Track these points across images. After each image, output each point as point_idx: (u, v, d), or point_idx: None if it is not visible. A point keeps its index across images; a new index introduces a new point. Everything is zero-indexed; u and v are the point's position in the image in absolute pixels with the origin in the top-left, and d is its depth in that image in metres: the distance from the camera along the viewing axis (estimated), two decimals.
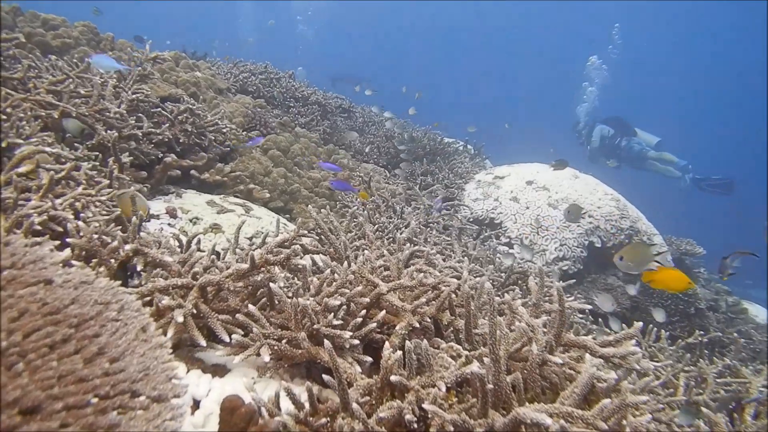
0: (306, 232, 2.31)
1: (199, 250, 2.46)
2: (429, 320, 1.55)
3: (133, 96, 3.13)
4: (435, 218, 3.97)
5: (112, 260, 1.41)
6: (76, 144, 2.40)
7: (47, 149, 1.94)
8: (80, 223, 1.39)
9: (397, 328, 1.44)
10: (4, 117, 2.02)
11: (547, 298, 1.94)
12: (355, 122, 7.55)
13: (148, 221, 2.63)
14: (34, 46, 3.62)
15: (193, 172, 3.25)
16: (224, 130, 3.53)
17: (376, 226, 3.55)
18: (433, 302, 1.64)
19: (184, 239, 2.58)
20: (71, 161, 2.02)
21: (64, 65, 3.03)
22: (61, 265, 0.88)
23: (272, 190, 3.73)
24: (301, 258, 2.10)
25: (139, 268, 1.38)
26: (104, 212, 1.94)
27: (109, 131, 2.58)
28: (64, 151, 2.01)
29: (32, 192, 1.80)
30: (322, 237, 2.25)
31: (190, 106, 3.38)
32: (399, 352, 1.14)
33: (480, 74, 38.39)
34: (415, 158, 6.64)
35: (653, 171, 9.35)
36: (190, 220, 2.75)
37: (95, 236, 1.43)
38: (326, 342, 1.12)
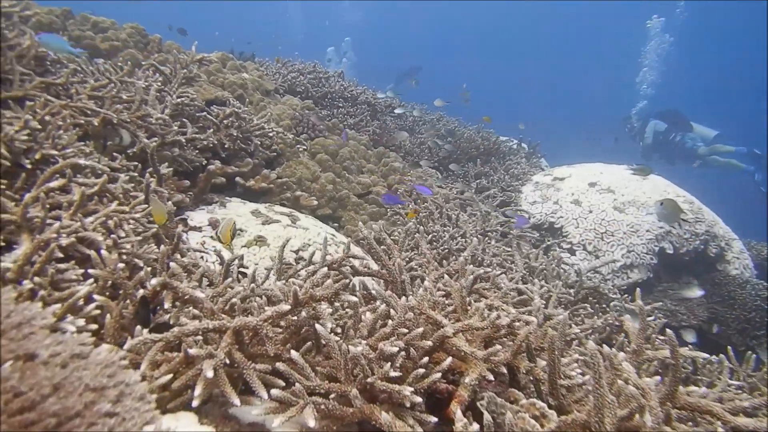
0: (355, 252, 2.10)
1: (242, 266, 2.30)
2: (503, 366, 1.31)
3: (178, 100, 3.00)
4: (494, 226, 3.70)
5: (140, 293, 1.24)
6: (115, 154, 2.27)
7: (81, 161, 1.80)
8: (103, 251, 1.22)
9: (466, 380, 1.20)
10: (39, 127, 1.89)
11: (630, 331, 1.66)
12: (405, 121, 7.33)
13: (187, 233, 2.49)
14: (83, 50, 3.56)
15: (238, 179, 3.11)
16: (271, 134, 3.37)
17: (430, 235, 3.32)
18: (507, 342, 1.40)
19: (226, 255, 2.42)
20: (106, 174, 1.88)
21: (109, 68, 2.93)
22: (50, 331, 0.69)
23: (320, 196, 3.55)
24: (349, 281, 1.89)
25: (167, 305, 1.20)
26: (139, 230, 1.78)
27: (149, 139, 2.45)
28: (99, 164, 1.87)
29: (63, 209, 1.66)
30: (373, 254, 2.03)
31: (236, 110, 3.23)
32: (476, 426, 0.91)
33: (526, 68, 37.50)
34: (468, 158, 6.36)
35: (717, 167, 8.66)
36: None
37: (120, 266, 1.25)
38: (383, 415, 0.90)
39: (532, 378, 1.30)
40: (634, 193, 5.06)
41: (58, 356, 0.65)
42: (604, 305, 3.21)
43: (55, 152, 1.88)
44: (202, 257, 2.27)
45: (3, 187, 1.67)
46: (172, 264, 1.28)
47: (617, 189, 5.13)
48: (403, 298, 1.35)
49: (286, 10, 30.98)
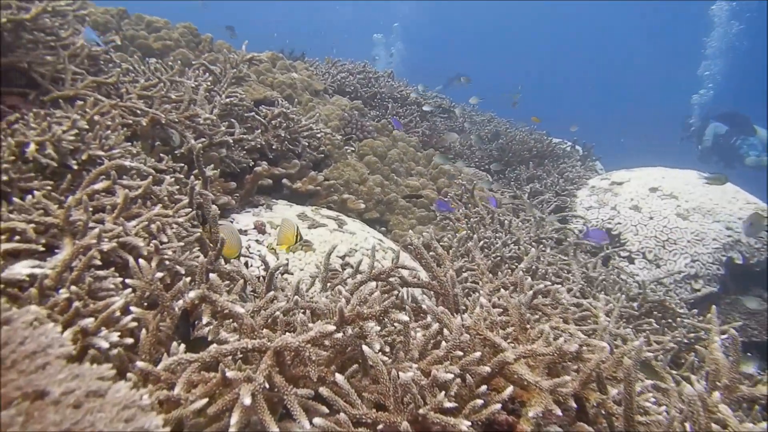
0: (404, 261, 1.99)
1: (286, 271, 2.22)
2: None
3: (227, 100, 2.97)
4: (548, 233, 3.52)
5: (179, 305, 1.16)
6: (162, 155, 2.24)
7: (126, 163, 1.76)
8: (142, 261, 1.16)
9: (530, 413, 1.07)
10: (87, 127, 1.87)
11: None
12: (455, 122, 7.17)
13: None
14: (136, 49, 3.59)
15: (285, 181, 3.05)
16: (319, 135, 3.31)
17: (482, 241, 3.18)
18: (572, 367, 1.26)
19: (271, 260, 2.35)
20: (151, 175, 1.84)
21: (160, 68, 2.93)
22: (66, 362, 0.60)
23: (367, 199, 3.46)
24: (398, 293, 1.79)
25: (206, 319, 1.12)
26: (183, 234, 1.73)
27: (197, 140, 2.41)
28: (144, 165, 1.83)
29: (107, 212, 1.61)
30: (423, 263, 1.92)
31: (284, 110, 3.18)
32: None
33: (574, 65, 36.55)
34: (520, 161, 6.16)
35: None
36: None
37: (159, 275, 1.19)
38: None
39: (603, 411, 1.16)
40: (699, 199, 4.76)
41: (72, 394, 0.57)
42: (669, 320, 3.00)
43: (101, 153, 1.85)
44: (246, 263, 2.21)
45: (49, 188, 1.65)
46: (211, 276, 1.20)
47: (681, 195, 4.83)
48: (458, 317, 1.23)
49: (336, 10, 31.21)
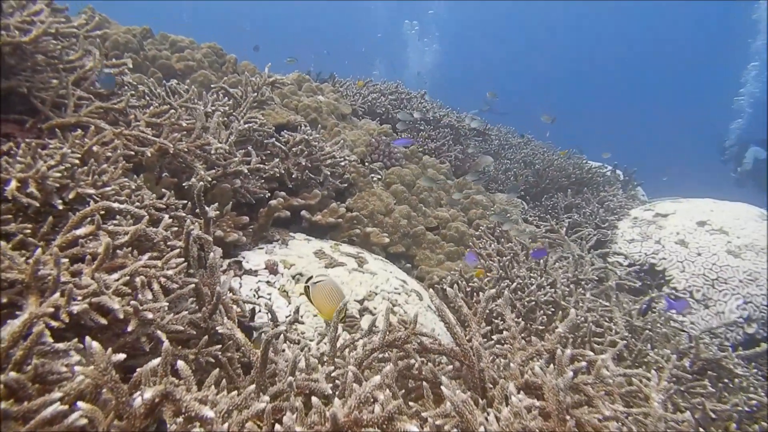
0: (422, 324, 1.76)
1: (297, 321, 2.01)
2: None
3: (245, 126, 2.79)
4: (588, 274, 3.21)
5: (137, 404, 0.94)
6: (165, 189, 2.05)
7: (114, 205, 1.57)
8: (95, 344, 0.95)
9: None
10: (77, 161, 1.69)
11: None
12: (491, 145, 6.91)
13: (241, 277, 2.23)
14: (157, 70, 3.46)
15: (304, 213, 2.85)
16: (342, 163, 3.10)
17: (515, 282, 2.90)
18: None
19: (281, 304, 2.14)
20: (147, 216, 1.65)
21: (179, 90, 2.77)
22: None
23: (392, 232, 3.23)
24: (416, 367, 1.55)
25: (169, 424, 0.90)
26: (174, 286, 1.53)
27: (207, 171, 2.22)
28: (133, 207, 1.64)
29: (87, 263, 1.42)
30: (447, 325, 1.67)
31: (306, 137, 2.99)
32: None
33: (607, 82, 35.81)
34: (557, 188, 5.85)
35: None
36: (293, 277, 2.31)
37: (119, 357, 0.97)
38: None
39: None
40: (751, 235, 4.37)
41: None
42: (726, 380, 2.67)
43: (92, 191, 1.67)
44: (253, 309, 2.00)
45: (28, 232, 1.47)
46: (179, 364, 0.98)
47: (731, 230, 4.46)
48: (482, 428, 0.98)
49: (368, 11, 31.25)
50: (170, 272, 1.47)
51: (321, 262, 2.47)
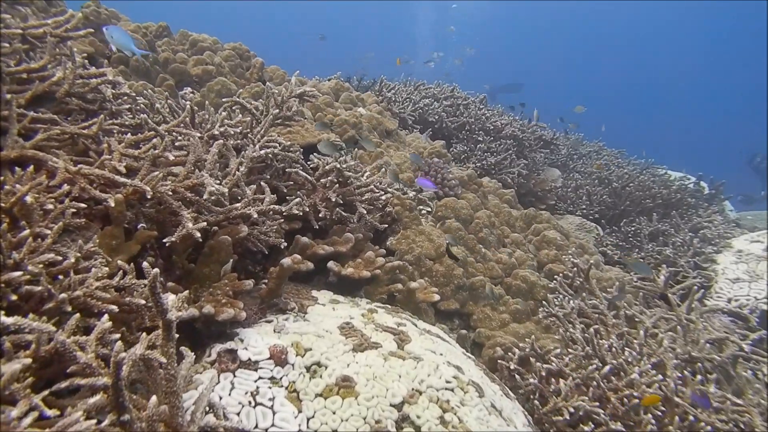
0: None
1: None
2: None
3: (260, 152, 2.19)
4: (704, 349, 2.44)
5: None
6: (150, 256, 1.47)
7: (5, 319, 0.99)
8: None
9: None
10: None
11: None
12: (558, 156, 6.11)
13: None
14: (168, 76, 2.91)
15: (331, 265, 2.23)
16: (383, 198, 2.46)
17: (607, 366, 2.18)
18: None
19: (289, 411, 1.54)
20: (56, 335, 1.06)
21: (188, 104, 2.21)
22: None
23: (444, 283, 2.57)
24: None
25: None
26: None
27: (186, 228, 1.62)
28: (36, 324, 1.05)
29: None
30: None
31: (338, 165, 2.36)
32: None
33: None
34: (639, 211, 5.02)
35: None
36: (307, 369, 1.69)
37: None
38: None
39: None
40: None
41: None
42: None
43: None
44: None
45: None
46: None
47: None
48: None
49: (410, 9, 30.51)
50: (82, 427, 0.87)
51: (348, 343, 1.84)
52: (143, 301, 1.31)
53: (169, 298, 1.27)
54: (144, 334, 1.12)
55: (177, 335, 1.20)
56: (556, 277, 2.78)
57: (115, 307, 1.22)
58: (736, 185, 5.60)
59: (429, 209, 2.86)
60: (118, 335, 1.12)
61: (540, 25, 35.63)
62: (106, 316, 1.12)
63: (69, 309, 1.12)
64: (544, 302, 2.64)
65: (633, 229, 4.59)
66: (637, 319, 2.67)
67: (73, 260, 1.28)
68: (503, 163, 4.56)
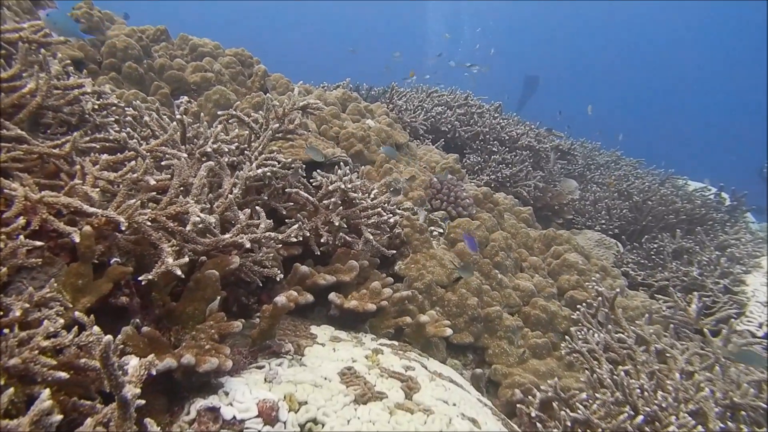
0: None
1: None
2: None
3: (257, 172, 1.99)
4: (747, 395, 2.21)
5: None
6: (123, 294, 1.27)
7: None
8: None
9: None
10: None
11: None
12: (575, 166, 5.87)
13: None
14: (164, 84, 2.71)
15: (333, 297, 2.01)
16: (391, 221, 2.24)
17: (641, 416, 1.95)
18: None
19: None
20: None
21: (181, 117, 2.00)
22: None
23: (458, 313, 2.35)
24: None
25: None
26: None
27: (166, 264, 1.42)
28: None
29: None
30: None
31: (343, 185, 2.15)
32: None
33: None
34: (662, 227, 4.76)
35: None
36: (301, 428, 1.47)
37: None
38: None
39: None
40: None
41: None
42: None
43: None
44: None
45: None
46: None
47: None
48: None
49: (424, 10, 30.28)
50: None
51: (349, 394, 1.62)
52: (99, 365, 1.10)
53: (131, 364, 1.07)
54: (90, 419, 0.91)
55: (143, 402, 1.00)
56: (579, 306, 2.55)
57: (64, 375, 1.01)
58: (750, 196, 5.39)
59: (441, 230, 2.64)
60: (58, 418, 0.91)
61: (549, 25, 35.40)
62: (46, 392, 0.91)
63: (1, 382, 0.92)
64: (566, 336, 2.41)
65: (656, 246, 4.34)
66: (668, 354, 2.43)
67: (18, 314, 1.07)
68: (519, 175, 4.33)
